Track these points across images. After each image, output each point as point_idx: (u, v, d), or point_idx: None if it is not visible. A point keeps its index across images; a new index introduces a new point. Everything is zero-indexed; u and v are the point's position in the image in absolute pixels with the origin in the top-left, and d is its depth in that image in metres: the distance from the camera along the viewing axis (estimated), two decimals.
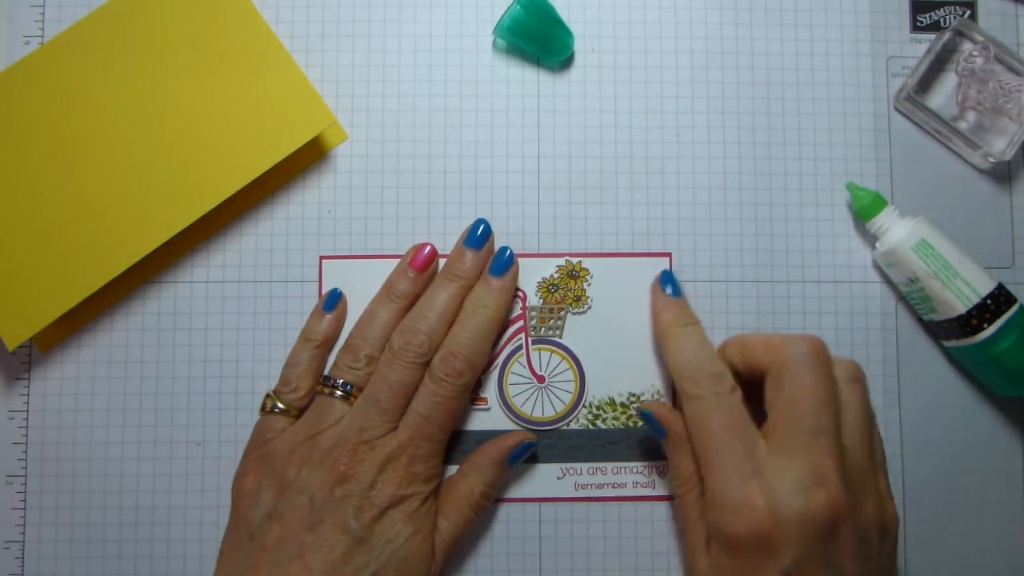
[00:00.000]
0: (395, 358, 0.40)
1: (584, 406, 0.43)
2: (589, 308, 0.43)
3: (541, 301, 0.43)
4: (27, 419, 0.43)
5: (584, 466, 0.42)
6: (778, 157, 0.45)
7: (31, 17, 0.45)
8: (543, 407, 0.43)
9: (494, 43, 0.45)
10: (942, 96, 0.45)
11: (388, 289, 0.42)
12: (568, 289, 0.43)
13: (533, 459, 0.43)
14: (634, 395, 0.43)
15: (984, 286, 0.41)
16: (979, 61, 0.44)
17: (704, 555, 0.37)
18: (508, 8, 0.43)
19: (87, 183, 0.42)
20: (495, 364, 0.42)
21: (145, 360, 0.43)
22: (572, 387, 0.43)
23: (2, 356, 0.43)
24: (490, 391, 0.42)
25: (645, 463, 0.43)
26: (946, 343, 0.44)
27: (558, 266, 0.43)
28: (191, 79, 0.42)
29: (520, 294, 0.43)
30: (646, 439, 0.43)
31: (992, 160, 0.44)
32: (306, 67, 0.45)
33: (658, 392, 0.43)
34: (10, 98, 0.42)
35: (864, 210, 0.43)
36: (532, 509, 0.43)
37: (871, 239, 0.44)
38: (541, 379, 0.43)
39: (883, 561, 0.36)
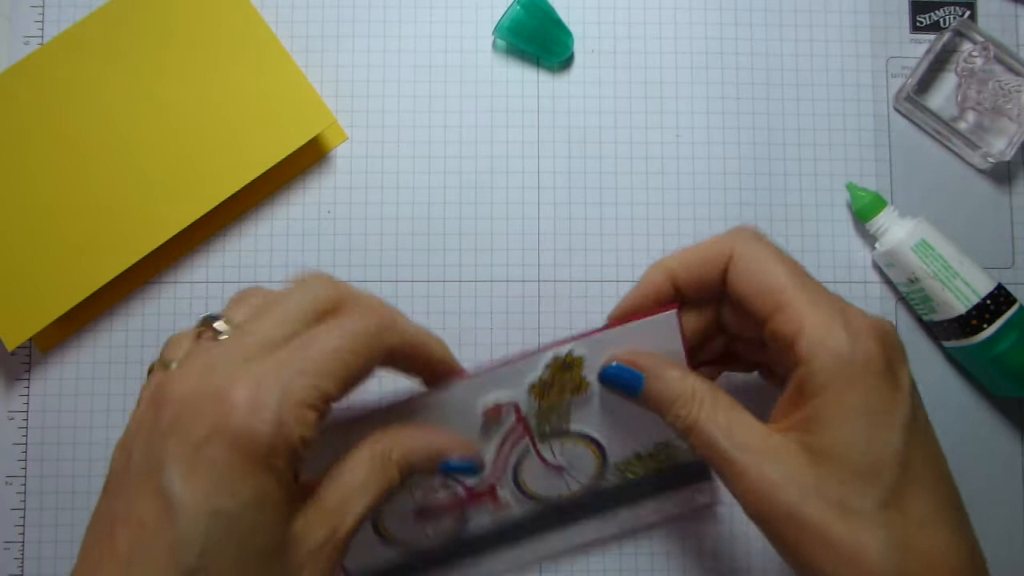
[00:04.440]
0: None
1: (609, 471, 0.39)
2: (592, 392, 0.37)
3: (537, 403, 0.37)
4: (27, 419, 0.43)
5: (623, 510, 0.41)
6: (778, 157, 0.45)
7: (31, 17, 0.45)
8: (569, 486, 0.39)
9: (494, 43, 0.45)
10: (942, 96, 0.45)
11: None
12: (564, 382, 0.37)
13: (568, 522, 0.40)
14: (660, 443, 0.39)
15: (984, 286, 0.41)
16: (979, 61, 0.44)
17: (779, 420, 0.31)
18: (508, 8, 0.43)
19: (87, 183, 0.42)
20: (504, 476, 0.38)
21: (145, 360, 0.43)
22: (593, 462, 0.39)
23: (2, 356, 0.43)
24: (509, 495, 0.39)
25: (681, 489, 0.41)
26: (946, 343, 0.44)
27: (546, 364, 0.36)
28: (191, 79, 0.42)
29: (510, 406, 0.37)
30: (682, 470, 0.40)
31: (992, 160, 0.44)
32: (306, 67, 0.45)
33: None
34: (10, 98, 0.42)
35: (864, 210, 0.43)
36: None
37: (871, 239, 0.44)
38: (560, 469, 0.39)
39: None
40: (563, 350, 0.36)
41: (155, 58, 0.42)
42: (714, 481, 0.41)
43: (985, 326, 0.41)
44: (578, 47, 0.45)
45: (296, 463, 0.28)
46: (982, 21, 0.46)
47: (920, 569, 0.29)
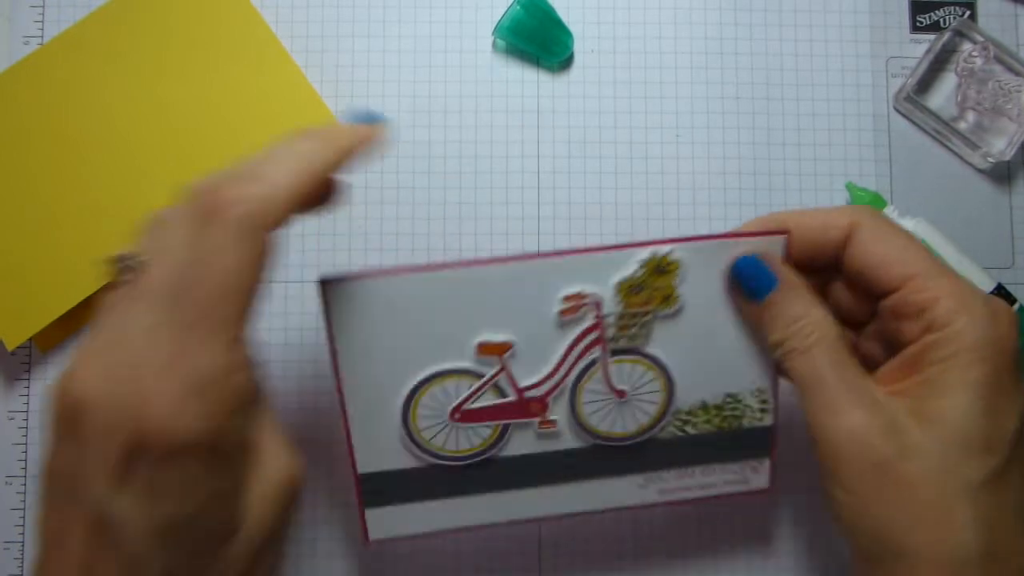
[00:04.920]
0: None
1: (671, 415, 0.36)
2: (681, 308, 0.35)
3: (621, 306, 0.34)
4: (27, 419, 0.43)
5: (670, 473, 0.37)
6: (778, 157, 0.45)
7: (31, 17, 0.45)
8: (624, 422, 0.36)
9: (494, 43, 0.45)
10: (942, 96, 0.45)
11: None
12: (655, 288, 0.34)
13: (609, 472, 0.37)
14: (731, 395, 0.36)
15: (983, 286, 0.41)
16: (979, 61, 0.44)
17: (866, 398, 0.31)
18: (508, 8, 0.43)
19: (87, 183, 0.42)
20: (563, 385, 0.35)
21: None
22: (658, 397, 0.36)
23: (2, 356, 0.43)
24: (560, 412, 0.36)
25: (738, 463, 0.37)
26: None
27: (641, 261, 0.34)
28: (191, 79, 0.42)
29: (593, 300, 0.34)
30: (743, 438, 0.37)
31: (992, 160, 0.44)
32: (306, 67, 0.45)
33: (759, 389, 0.36)
34: (10, 98, 0.42)
35: None
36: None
37: None
38: (622, 394, 0.36)
39: None
40: (662, 249, 0.34)
41: (155, 58, 0.42)
42: (769, 461, 0.37)
43: None
44: (578, 47, 0.45)
45: (243, 417, 0.26)
46: (982, 21, 0.46)
47: (1004, 553, 0.29)
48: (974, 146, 0.44)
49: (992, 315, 0.30)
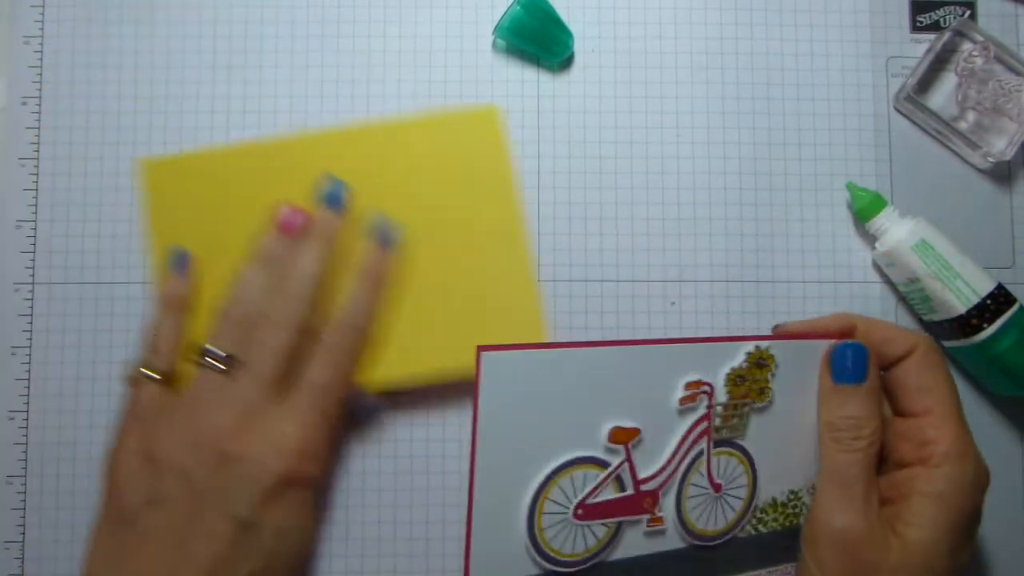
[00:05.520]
0: (275, 326, 0.37)
1: (751, 512, 0.37)
2: (771, 403, 0.36)
3: (727, 396, 0.36)
4: (27, 419, 0.43)
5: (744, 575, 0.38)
6: (778, 157, 0.45)
7: (31, 17, 0.45)
8: (715, 519, 0.37)
9: (494, 43, 0.45)
10: (942, 96, 0.45)
11: (258, 253, 0.39)
12: (754, 380, 0.36)
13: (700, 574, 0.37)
14: (794, 492, 0.38)
15: (984, 286, 0.41)
16: (979, 61, 0.44)
17: (870, 515, 0.35)
18: (508, 8, 0.43)
19: None
20: (674, 478, 0.36)
21: None
22: (744, 492, 0.37)
23: (2, 356, 0.43)
24: (667, 509, 0.36)
25: (793, 563, 0.38)
26: (946, 343, 0.44)
27: (747, 353, 0.36)
28: (420, 209, 0.42)
29: (707, 388, 0.36)
30: (790, 535, 0.38)
31: (992, 160, 0.44)
32: (306, 67, 0.45)
33: (813, 486, 0.38)
34: (237, 172, 0.42)
35: (864, 210, 0.43)
36: None
37: (871, 239, 0.44)
38: (718, 488, 0.36)
39: None
40: (763, 344, 0.36)
41: (398, 188, 0.42)
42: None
43: (985, 326, 0.41)
44: (578, 47, 0.45)
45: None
46: (982, 21, 0.46)
47: None
48: (974, 146, 0.44)
49: (975, 470, 0.36)
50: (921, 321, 0.44)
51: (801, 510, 0.37)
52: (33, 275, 0.44)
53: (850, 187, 0.44)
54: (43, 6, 0.45)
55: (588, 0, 0.46)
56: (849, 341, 0.38)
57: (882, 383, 0.38)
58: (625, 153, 0.45)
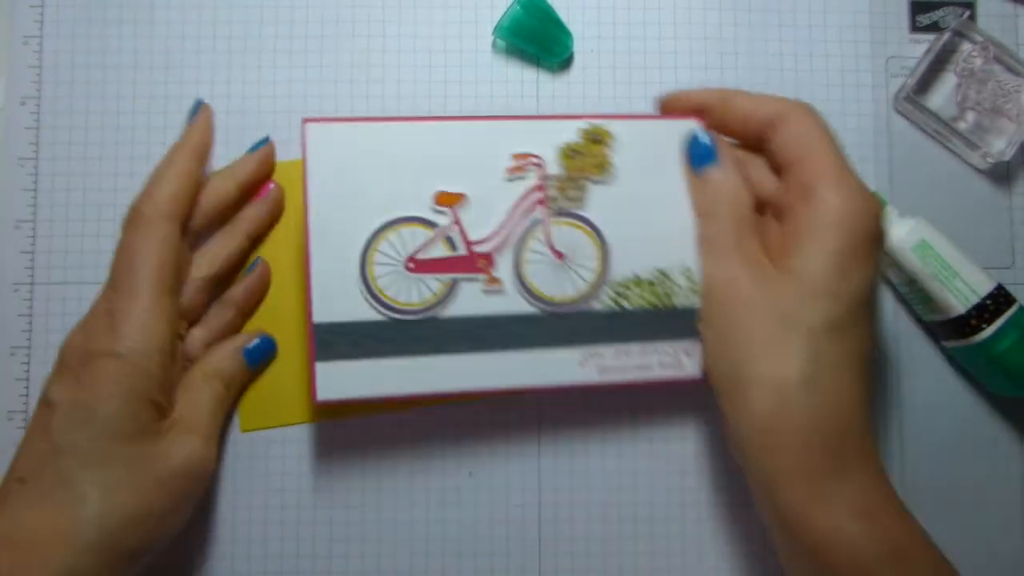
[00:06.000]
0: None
1: (607, 285, 0.39)
2: (614, 177, 0.39)
3: (561, 168, 0.39)
4: (27, 419, 0.43)
5: (608, 349, 0.39)
6: None
7: (31, 17, 0.45)
8: (563, 286, 0.39)
9: (494, 43, 0.45)
10: (941, 96, 0.45)
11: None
12: (590, 156, 0.39)
13: (550, 342, 0.39)
14: (662, 271, 0.39)
15: (983, 286, 0.41)
16: (978, 62, 0.44)
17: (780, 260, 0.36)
18: (508, 8, 0.43)
19: None
20: (509, 242, 0.39)
21: None
22: (595, 264, 0.39)
23: (2, 356, 0.43)
24: (504, 271, 0.39)
25: (671, 343, 0.39)
26: (946, 343, 0.44)
27: (580, 129, 0.39)
28: None
29: (537, 160, 0.39)
30: (675, 318, 0.39)
31: (991, 160, 0.44)
32: (305, 67, 0.45)
33: (688, 270, 0.39)
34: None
35: None
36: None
37: None
38: (561, 256, 0.39)
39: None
40: (599, 121, 0.39)
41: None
42: (700, 346, 0.39)
43: (985, 326, 0.41)
44: (578, 47, 0.45)
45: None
46: (982, 21, 0.46)
47: (824, 388, 0.34)
48: (974, 146, 0.44)
49: (858, 198, 0.35)
50: (921, 321, 0.44)
51: (674, 290, 0.39)
52: (33, 275, 0.44)
53: None
54: (43, 6, 0.45)
55: (588, 0, 0.46)
56: (694, 127, 0.39)
57: (766, 154, 0.39)
58: None
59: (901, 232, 0.42)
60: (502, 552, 0.43)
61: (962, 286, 0.41)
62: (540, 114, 0.39)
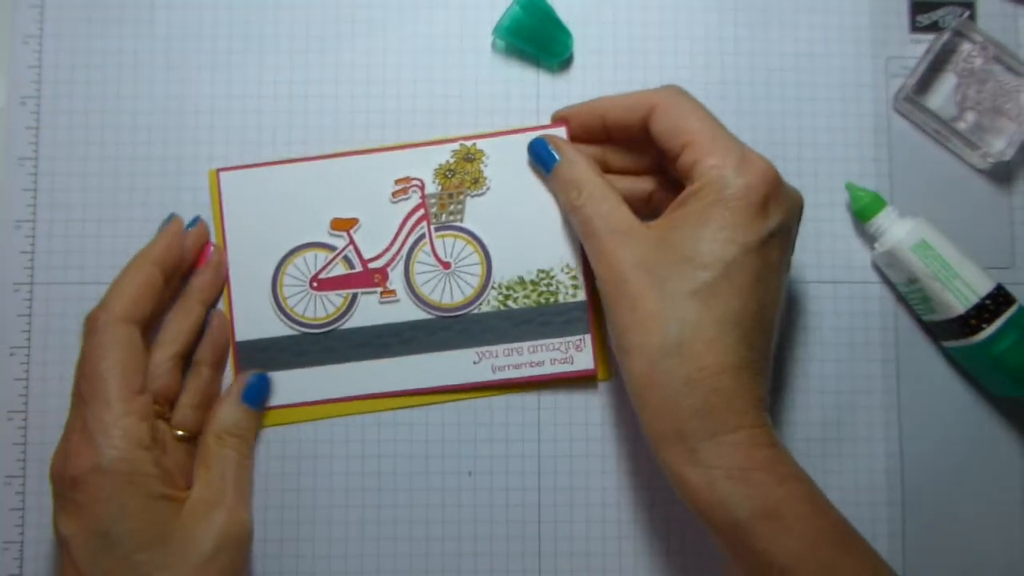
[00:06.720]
0: None
1: (493, 288, 0.43)
2: (488, 189, 0.43)
3: (439, 187, 0.43)
4: (26, 419, 0.43)
5: (499, 348, 0.42)
6: (777, 157, 0.45)
7: (31, 17, 0.45)
8: (451, 293, 0.43)
9: (494, 43, 0.45)
10: (941, 96, 0.45)
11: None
12: (465, 172, 0.43)
13: (444, 345, 0.43)
14: (543, 271, 0.43)
15: (983, 286, 0.41)
16: (978, 61, 0.44)
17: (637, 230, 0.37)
18: (508, 9, 0.43)
19: None
20: (399, 256, 0.43)
21: None
22: (479, 270, 0.43)
23: (1, 356, 0.43)
24: (397, 283, 0.43)
25: (561, 339, 0.42)
26: (946, 343, 0.44)
27: (452, 151, 0.43)
28: None
29: (418, 183, 0.43)
30: (562, 313, 0.42)
31: (991, 160, 0.44)
32: (306, 67, 0.45)
33: (568, 266, 0.43)
34: None
35: (863, 210, 0.43)
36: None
37: (871, 239, 0.44)
38: (447, 265, 0.43)
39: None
40: (468, 142, 0.43)
41: None
42: (590, 339, 0.42)
43: (984, 326, 0.41)
44: (578, 47, 0.45)
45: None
46: (982, 21, 0.46)
47: (694, 351, 0.35)
48: (974, 146, 0.44)
49: (737, 171, 0.36)
50: (921, 321, 0.44)
51: (558, 288, 0.43)
52: (32, 275, 0.44)
53: (849, 187, 0.44)
54: (43, 6, 0.45)
55: (588, 0, 0.46)
56: (533, 139, 0.42)
57: (658, 145, 0.39)
58: None
59: (901, 232, 0.42)
60: (502, 552, 0.43)
61: (962, 286, 0.41)
62: (418, 142, 0.43)
